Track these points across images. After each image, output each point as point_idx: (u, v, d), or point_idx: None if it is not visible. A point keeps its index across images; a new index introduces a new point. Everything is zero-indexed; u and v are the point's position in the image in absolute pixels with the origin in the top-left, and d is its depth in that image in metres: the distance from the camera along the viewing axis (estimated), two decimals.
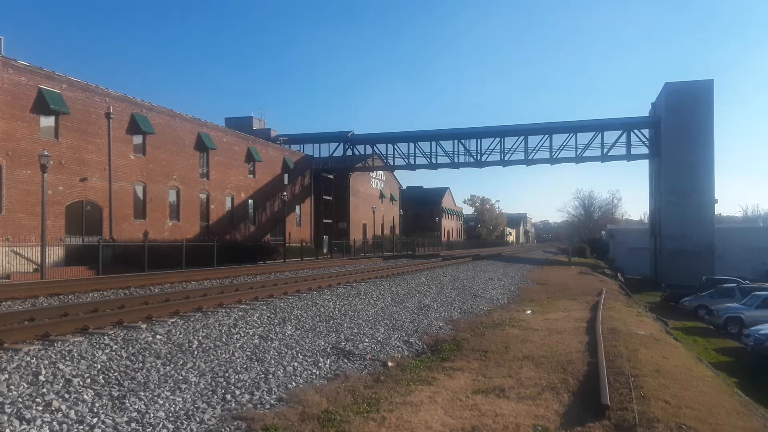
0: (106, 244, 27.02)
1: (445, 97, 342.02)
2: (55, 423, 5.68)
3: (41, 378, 6.88)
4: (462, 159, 51.16)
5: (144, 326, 10.13)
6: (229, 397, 6.91)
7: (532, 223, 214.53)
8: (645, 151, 49.03)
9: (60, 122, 27.07)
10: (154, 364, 7.98)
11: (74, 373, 7.20)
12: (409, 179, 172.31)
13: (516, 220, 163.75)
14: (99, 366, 7.61)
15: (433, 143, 51.33)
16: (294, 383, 7.80)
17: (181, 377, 7.49)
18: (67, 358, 7.79)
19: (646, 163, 53.69)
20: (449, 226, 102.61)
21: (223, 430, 5.88)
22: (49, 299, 14.96)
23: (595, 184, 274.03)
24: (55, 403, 6.13)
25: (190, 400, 6.68)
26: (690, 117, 45.71)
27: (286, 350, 9.51)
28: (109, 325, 10.17)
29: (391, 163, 54.29)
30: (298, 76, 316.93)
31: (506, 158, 49.76)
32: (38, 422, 5.65)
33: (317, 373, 8.48)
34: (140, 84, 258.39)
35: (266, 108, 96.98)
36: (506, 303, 19.14)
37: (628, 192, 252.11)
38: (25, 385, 6.61)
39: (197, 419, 6.11)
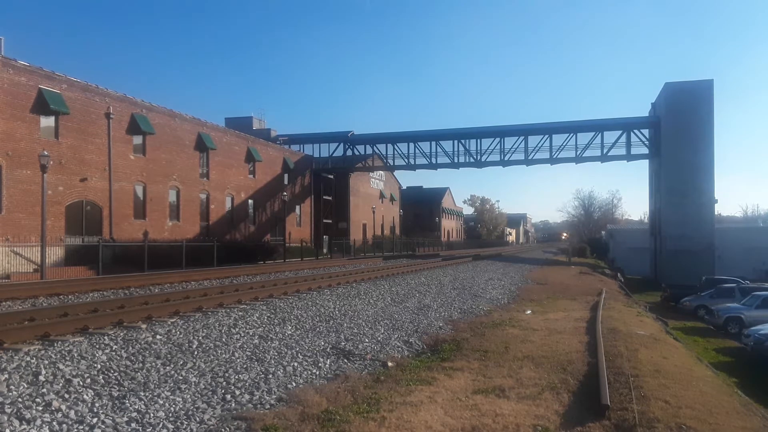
0: (106, 244, 27.00)
1: (445, 97, 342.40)
2: (55, 423, 5.68)
3: (41, 378, 6.88)
4: (462, 159, 51.15)
5: (144, 326, 10.12)
6: (229, 397, 6.91)
7: (532, 223, 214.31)
8: (645, 151, 49.01)
9: (60, 122, 27.06)
10: (154, 364, 7.98)
11: (74, 373, 7.20)
12: (409, 179, 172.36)
13: (516, 220, 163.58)
14: (99, 366, 7.60)
15: (433, 143, 51.30)
16: (294, 383, 7.80)
17: (181, 377, 7.49)
18: (67, 358, 7.79)
19: (646, 163, 53.70)
20: (449, 226, 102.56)
21: (223, 430, 5.88)
22: (49, 299, 14.95)
23: (595, 184, 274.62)
24: (55, 403, 6.13)
25: (190, 400, 6.68)
26: (690, 117, 45.68)
27: (286, 350, 9.51)
28: (109, 325, 10.16)
29: (391, 163, 54.27)
30: (299, 76, 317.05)
31: (506, 158, 49.73)
32: (38, 422, 5.65)
33: (317, 373, 8.48)
34: (140, 84, 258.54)
35: (266, 108, 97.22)
36: (506, 303, 19.14)
37: (628, 192, 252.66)
38: (25, 385, 6.61)
39: (197, 419, 6.11)
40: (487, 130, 50.81)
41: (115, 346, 8.62)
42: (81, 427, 5.67)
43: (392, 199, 74.20)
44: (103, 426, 5.72)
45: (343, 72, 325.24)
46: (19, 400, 6.14)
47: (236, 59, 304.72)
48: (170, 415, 6.18)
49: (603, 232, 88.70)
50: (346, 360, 9.37)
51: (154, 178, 33.05)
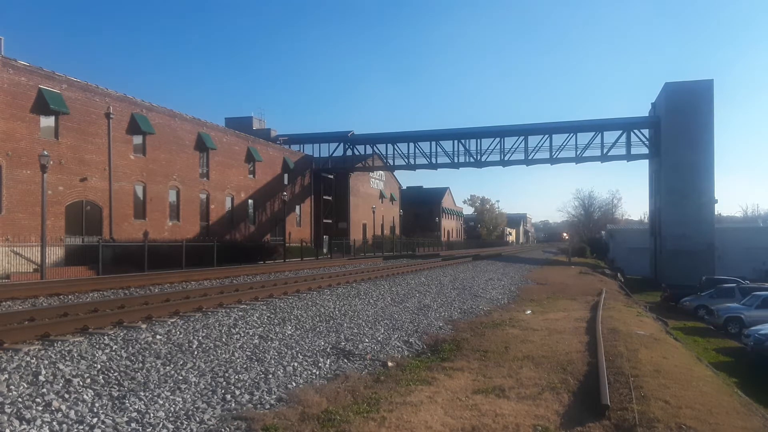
0: (106, 244, 27.00)
1: (445, 97, 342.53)
2: (55, 423, 5.68)
3: (41, 378, 6.88)
4: (462, 159, 51.17)
5: (144, 326, 10.12)
6: (229, 397, 6.92)
7: (532, 223, 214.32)
8: (645, 151, 49.02)
9: (60, 122, 27.06)
10: (154, 364, 7.98)
11: (74, 373, 7.20)
12: (409, 179, 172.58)
13: (516, 220, 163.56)
14: (99, 366, 7.60)
15: (433, 143, 51.32)
16: (294, 383, 7.80)
17: (181, 377, 7.49)
18: (67, 358, 7.79)
19: (646, 163, 53.71)
20: (449, 226, 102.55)
21: (223, 430, 5.88)
22: (49, 299, 14.95)
23: (595, 184, 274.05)
24: (55, 403, 6.13)
25: (190, 400, 6.68)
26: (690, 117, 45.69)
27: (286, 350, 9.51)
28: (109, 325, 10.16)
29: (391, 163, 54.28)
30: (299, 76, 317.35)
31: (506, 158, 49.74)
32: (38, 422, 5.65)
33: (317, 373, 8.48)
34: (140, 84, 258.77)
35: (266, 108, 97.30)
36: (506, 303, 19.14)
37: (628, 192, 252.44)
38: (25, 385, 6.61)
39: (197, 419, 6.12)
40: (487, 130, 50.82)
41: (115, 346, 8.62)
42: (81, 427, 5.67)
43: (392, 199, 74.20)
44: (103, 426, 5.72)
45: (343, 72, 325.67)
46: (19, 400, 6.14)
47: (236, 59, 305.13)
48: (170, 415, 6.18)
49: (603, 232, 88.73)
50: (346, 360, 9.37)
51: (154, 178, 33.05)
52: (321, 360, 9.17)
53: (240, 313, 12.12)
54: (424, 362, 9.63)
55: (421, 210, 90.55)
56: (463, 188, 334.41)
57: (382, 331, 12.01)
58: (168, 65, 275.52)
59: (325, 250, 51.32)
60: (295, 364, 8.75)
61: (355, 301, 15.58)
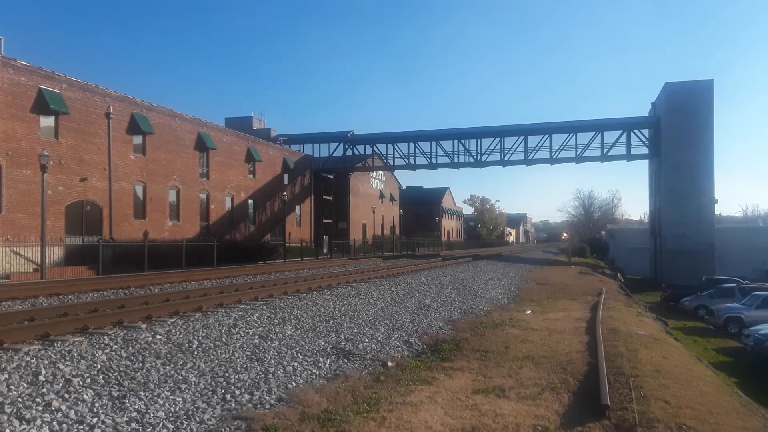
0: (106, 244, 27.00)
1: (445, 97, 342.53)
2: (55, 423, 5.67)
3: (41, 378, 6.88)
4: (462, 159, 51.18)
5: (144, 326, 10.11)
6: (229, 397, 6.92)
7: (532, 223, 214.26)
8: (645, 151, 49.03)
9: (60, 122, 27.06)
10: (154, 364, 7.97)
11: (74, 373, 7.20)
12: (409, 179, 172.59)
13: (516, 220, 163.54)
14: (99, 366, 7.60)
15: (433, 143, 51.33)
16: (294, 383, 7.80)
17: (181, 377, 7.49)
18: (67, 358, 7.79)
19: (646, 163, 53.70)
20: (449, 226, 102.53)
21: (223, 430, 5.88)
22: (49, 299, 14.94)
23: (595, 184, 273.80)
24: (55, 403, 6.13)
25: (190, 400, 6.68)
26: (690, 117, 45.69)
27: (286, 350, 9.51)
28: (109, 325, 10.16)
29: (391, 163, 54.28)
30: (299, 76, 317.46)
31: (506, 158, 49.75)
32: (38, 422, 5.65)
33: (317, 373, 8.48)
34: (140, 84, 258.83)
35: (266, 108, 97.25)
36: (506, 303, 19.14)
37: (628, 192, 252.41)
38: (25, 385, 6.61)
39: (197, 419, 6.12)
40: (487, 130, 50.82)
41: (115, 346, 8.62)
42: (81, 427, 5.67)
43: (392, 199, 74.19)
44: (103, 426, 5.72)
45: (343, 72, 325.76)
46: (19, 400, 6.14)
47: (236, 59, 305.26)
48: (170, 415, 6.18)
49: (603, 232, 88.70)
50: (346, 360, 9.37)
51: (154, 178, 33.04)
52: (321, 360, 9.17)
53: (240, 313, 12.11)
54: (424, 362, 9.63)
55: (421, 210, 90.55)
56: (463, 188, 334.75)
57: (382, 331, 12.01)
58: (168, 65, 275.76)
59: (325, 250, 51.32)
60: (295, 364, 8.75)
61: (355, 301, 15.57)
